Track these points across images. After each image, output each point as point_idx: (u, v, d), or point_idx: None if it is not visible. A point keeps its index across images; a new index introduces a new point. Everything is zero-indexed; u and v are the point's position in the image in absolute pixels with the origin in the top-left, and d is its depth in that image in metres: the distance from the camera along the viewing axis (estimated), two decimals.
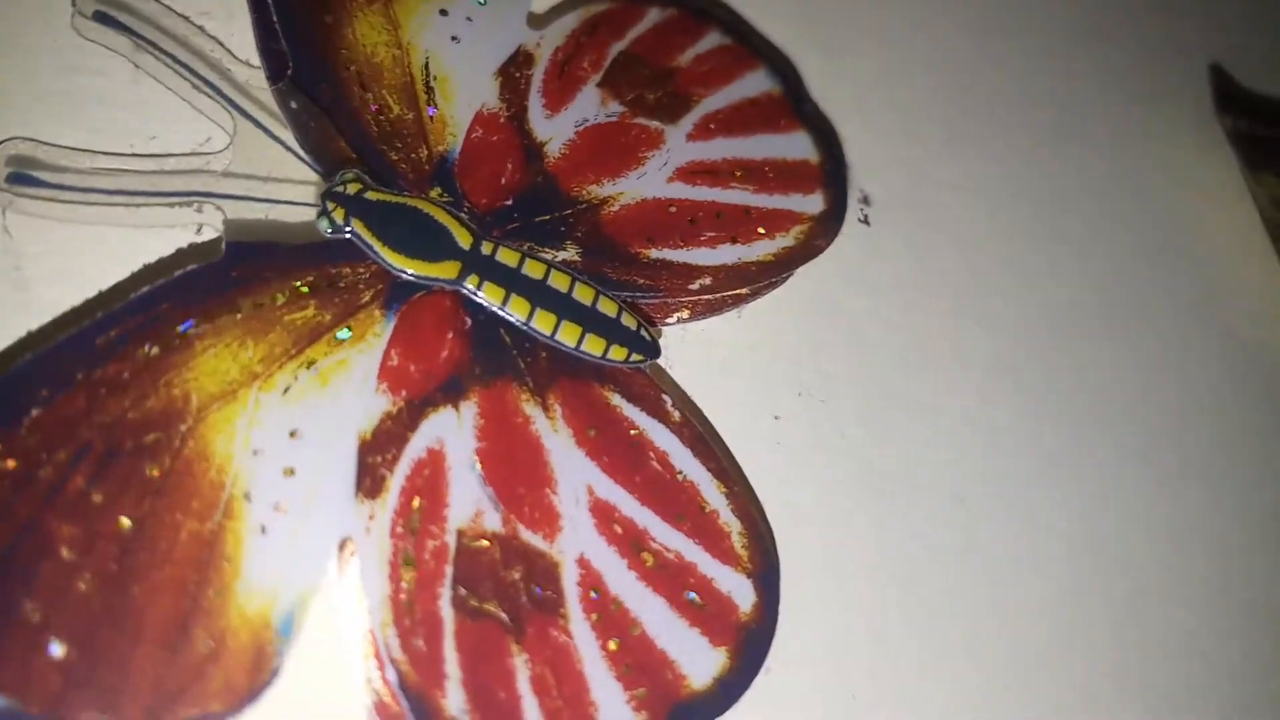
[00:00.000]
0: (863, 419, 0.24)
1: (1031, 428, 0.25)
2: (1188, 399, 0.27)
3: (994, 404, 0.25)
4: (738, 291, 0.23)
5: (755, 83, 0.24)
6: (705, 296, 0.22)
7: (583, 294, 0.20)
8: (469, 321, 0.20)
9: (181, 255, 0.19)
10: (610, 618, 0.19)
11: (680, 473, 0.20)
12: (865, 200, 0.24)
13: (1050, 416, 0.25)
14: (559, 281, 0.20)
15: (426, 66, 0.21)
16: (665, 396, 0.20)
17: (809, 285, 0.24)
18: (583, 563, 0.19)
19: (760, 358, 0.23)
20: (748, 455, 0.22)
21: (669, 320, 0.22)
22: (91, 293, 0.18)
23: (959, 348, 0.25)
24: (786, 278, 0.23)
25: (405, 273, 0.19)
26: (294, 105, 0.20)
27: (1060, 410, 0.25)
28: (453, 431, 0.19)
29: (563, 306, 0.20)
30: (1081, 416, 0.25)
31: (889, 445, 0.24)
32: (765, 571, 0.20)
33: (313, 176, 0.20)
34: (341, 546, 0.18)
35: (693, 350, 0.23)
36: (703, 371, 0.23)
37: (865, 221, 0.24)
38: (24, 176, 0.19)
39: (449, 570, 0.18)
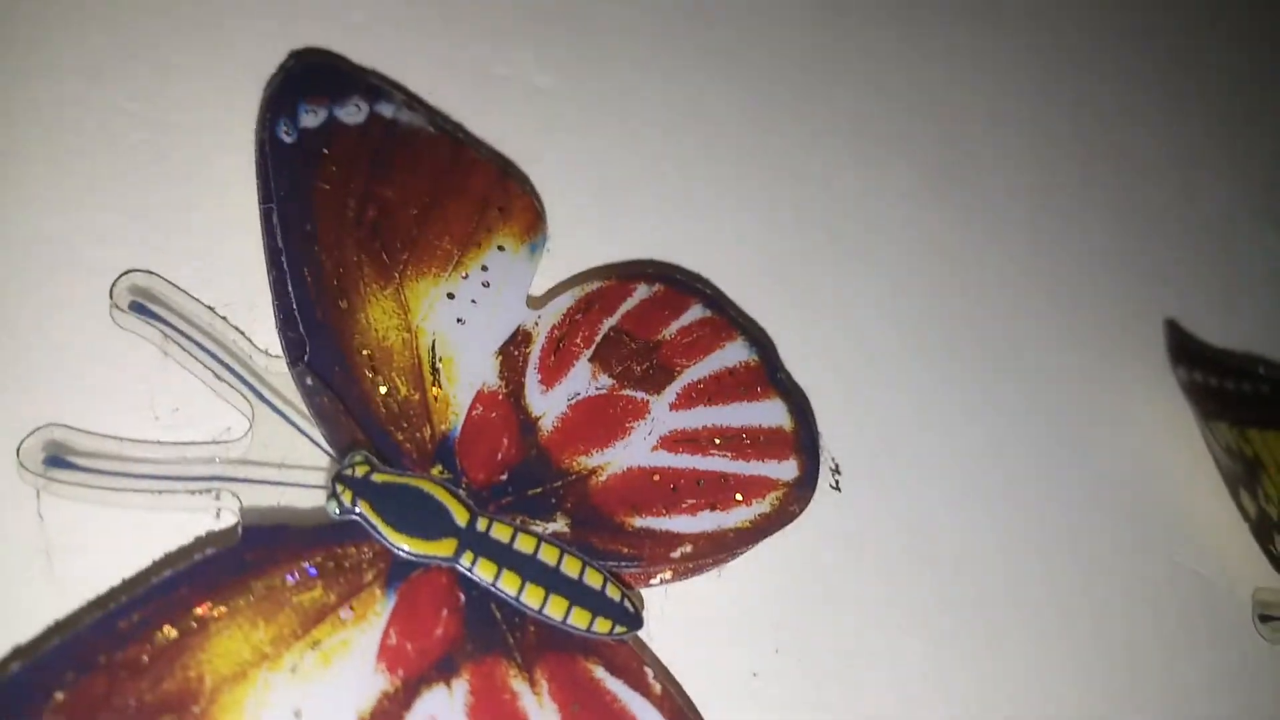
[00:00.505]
0: (836, 675, 0.25)
1: (996, 678, 0.26)
2: (1141, 633, 0.29)
3: (959, 660, 0.26)
4: (717, 554, 0.24)
5: (734, 353, 0.26)
6: (687, 564, 0.24)
7: (570, 566, 0.22)
8: (463, 598, 0.21)
9: (200, 540, 0.21)
10: None
11: None
12: (836, 468, 0.26)
13: (1015, 665, 0.27)
14: (548, 555, 0.22)
15: (433, 348, 0.24)
16: (647, 669, 0.22)
17: (785, 544, 0.26)
18: None
19: (739, 616, 0.25)
20: (727, 713, 0.24)
21: (653, 582, 0.24)
22: (115, 576, 0.20)
23: (920, 602, 0.27)
24: (759, 541, 0.25)
25: (406, 550, 0.21)
26: (309, 383, 0.22)
27: (1026, 658, 0.27)
28: (445, 710, 0.20)
29: (551, 580, 0.22)
30: (1042, 664, 0.27)
31: (861, 701, 0.25)
32: None
33: (324, 461, 0.22)
34: None
35: (675, 611, 0.24)
36: (684, 632, 0.24)
37: (837, 488, 0.26)
38: (58, 460, 0.21)
39: None
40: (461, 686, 0.21)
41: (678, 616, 0.24)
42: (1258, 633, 0.29)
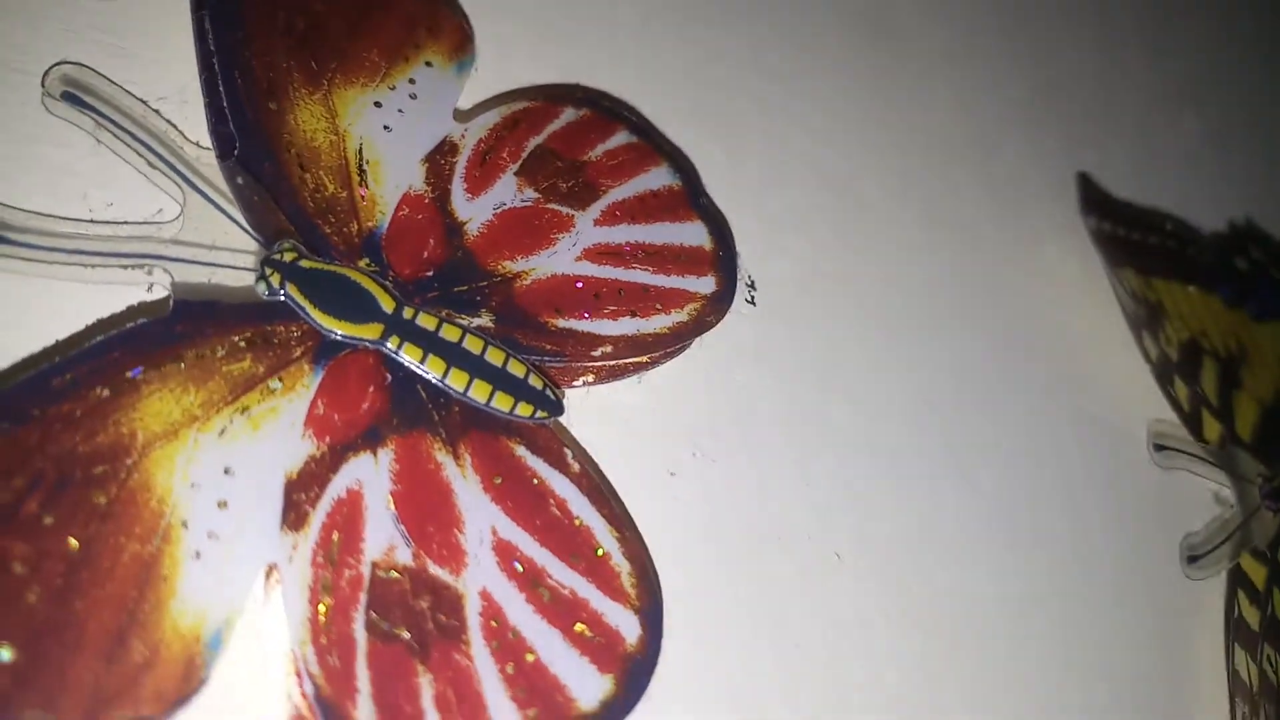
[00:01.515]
0: (750, 480, 0.27)
1: (898, 495, 0.29)
2: (1044, 472, 0.31)
3: (864, 474, 0.28)
4: (638, 360, 0.26)
5: (658, 177, 0.28)
6: (608, 363, 0.26)
7: (494, 356, 0.24)
8: (389, 378, 0.23)
9: (132, 311, 0.22)
10: (508, 645, 0.22)
11: (577, 518, 0.23)
12: (752, 284, 0.28)
13: (916, 486, 0.29)
14: (473, 344, 0.24)
15: (360, 151, 0.25)
16: (566, 450, 0.24)
17: (703, 358, 0.27)
18: (485, 595, 0.22)
19: (658, 420, 0.27)
20: (643, 505, 0.25)
21: (575, 384, 0.26)
22: (49, 342, 0.21)
23: (832, 420, 0.29)
24: (682, 349, 0.27)
25: (333, 332, 0.23)
26: (239, 181, 0.24)
27: (926, 479, 0.29)
28: (370, 475, 0.22)
29: (475, 367, 0.23)
30: (944, 486, 0.29)
31: (771, 504, 0.27)
32: (651, 609, 0.23)
33: (253, 246, 0.23)
34: (267, 573, 0.21)
35: (596, 411, 0.26)
36: (605, 430, 0.26)
37: (752, 302, 0.28)
38: None
39: (363, 597, 0.21)
40: (387, 455, 0.22)
41: (599, 416, 0.26)
42: (1152, 460, 0.32)
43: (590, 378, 0.26)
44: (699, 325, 0.26)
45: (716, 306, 0.27)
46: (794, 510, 0.27)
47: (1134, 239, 0.34)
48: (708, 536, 0.26)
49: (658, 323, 0.26)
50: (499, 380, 0.23)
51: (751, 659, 0.25)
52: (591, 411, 0.26)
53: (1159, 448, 0.31)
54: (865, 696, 0.26)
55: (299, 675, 0.20)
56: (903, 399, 0.30)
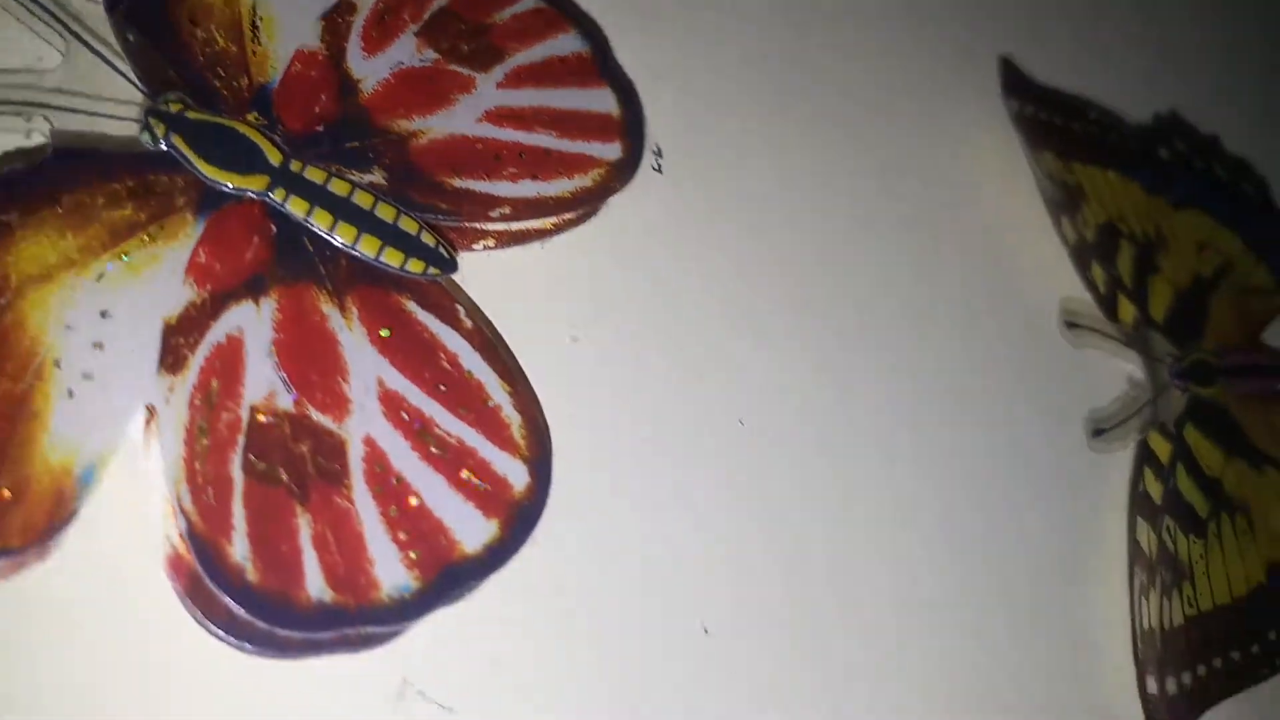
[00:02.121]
0: (656, 346, 0.27)
1: (806, 366, 0.28)
2: (955, 347, 0.31)
3: (772, 344, 0.28)
4: (540, 226, 0.26)
5: (566, 43, 0.27)
6: (508, 226, 0.25)
7: (384, 212, 0.23)
8: (274, 229, 0.23)
9: (9, 156, 0.22)
10: (391, 490, 0.22)
11: (469, 372, 0.23)
12: (659, 152, 0.28)
13: (826, 356, 0.29)
14: (362, 200, 0.23)
15: (254, 8, 0.24)
16: (459, 306, 0.24)
17: (610, 225, 0.27)
18: (369, 442, 0.22)
19: (562, 286, 0.27)
20: (545, 368, 0.25)
21: (475, 247, 0.25)
22: None
23: (741, 289, 0.28)
24: (588, 216, 0.27)
25: (217, 183, 0.22)
26: (128, 36, 0.23)
27: (838, 351, 0.29)
28: (252, 322, 0.22)
29: (364, 221, 0.23)
30: (854, 359, 0.29)
31: (676, 369, 0.27)
32: (540, 459, 0.23)
33: (138, 96, 0.23)
34: (143, 413, 0.21)
35: (499, 275, 0.26)
36: (507, 294, 0.26)
37: (658, 170, 0.28)
38: None
39: (241, 440, 0.21)
40: (269, 305, 0.22)
41: (502, 281, 0.26)
42: (1063, 338, 0.32)
43: (491, 242, 0.25)
44: (603, 191, 0.26)
45: (622, 173, 0.26)
46: (698, 378, 0.27)
47: (1056, 123, 0.34)
48: (609, 399, 0.26)
49: (559, 186, 0.26)
50: (389, 236, 0.23)
51: (644, 514, 0.25)
52: (494, 275, 0.26)
53: (1070, 325, 0.31)
54: (765, 554, 0.26)
55: (174, 513, 0.20)
56: (815, 271, 0.30)
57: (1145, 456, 0.32)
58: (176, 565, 0.20)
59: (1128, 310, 0.33)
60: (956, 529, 0.29)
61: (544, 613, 0.23)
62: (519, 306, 0.26)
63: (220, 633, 0.20)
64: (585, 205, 0.26)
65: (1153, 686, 0.29)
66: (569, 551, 0.24)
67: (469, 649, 0.23)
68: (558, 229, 0.26)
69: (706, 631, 0.25)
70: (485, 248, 0.25)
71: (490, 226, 0.25)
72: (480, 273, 0.26)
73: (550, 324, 0.26)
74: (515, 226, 0.26)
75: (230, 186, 0.22)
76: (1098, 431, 0.31)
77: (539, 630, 0.23)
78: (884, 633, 0.27)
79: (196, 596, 0.20)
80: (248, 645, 0.20)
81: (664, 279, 0.28)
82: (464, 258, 0.25)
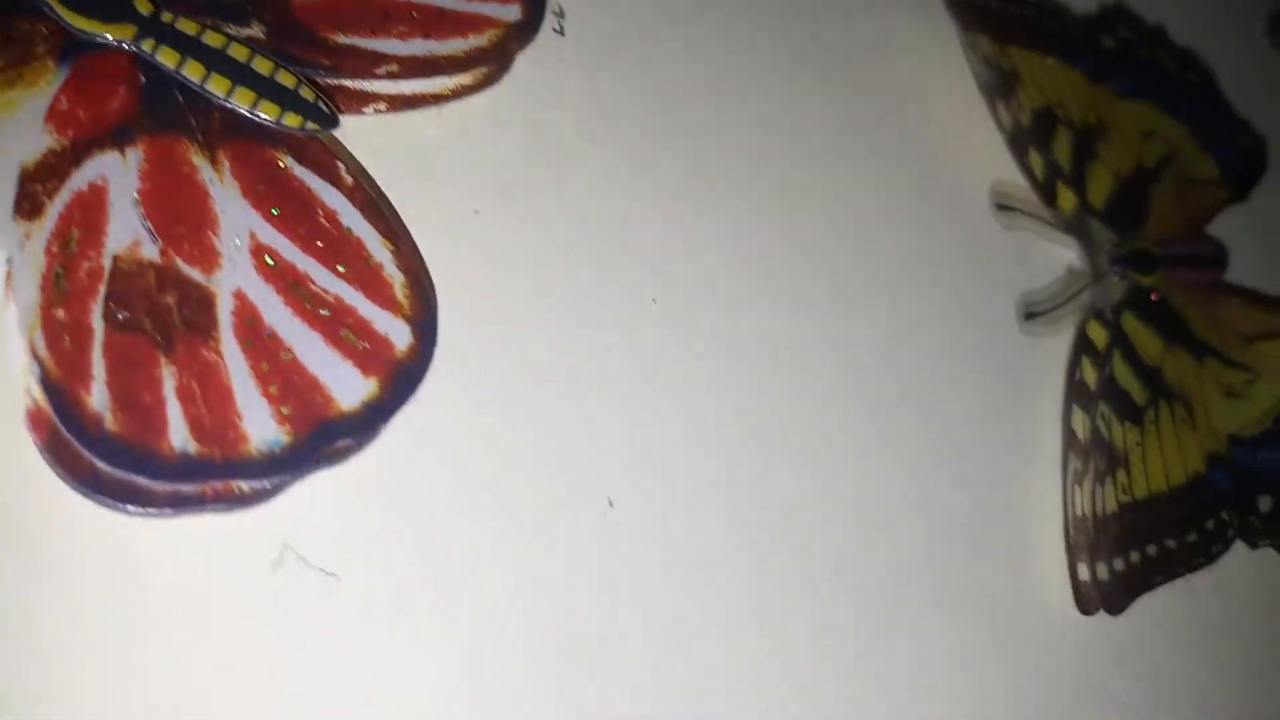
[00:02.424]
0: (561, 221, 0.26)
1: (726, 241, 0.28)
2: (885, 229, 0.30)
3: (690, 217, 0.28)
4: (437, 90, 0.25)
5: None
6: (400, 89, 0.25)
7: (261, 65, 0.23)
8: (143, 79, 0.22)
9: None
10: (263, 345, 0.21)
11: (348, 229, 0.22)
12: (560, 13, 0.27)
13: (745, 233, 0.28)
14: (238, 53, 0.23)
15: None
16: (339, 163, 0.23)
17: (512, 93, 0.26)
18: (239, 295, 0.21)
19: (461, 155, 0.26)
20: (442, 237, 0.25)
21: (365, 110, 0.25)
22: None
23: (659, 164, 0.28)
24: (488, 82, 0.26)
25: (80, 31, 0.22)
26: None
27: (753, 229, 0.28)
28: (117, 172, 0.21)
29: (239, 74, 0.22)
30: (775, 237, 0.28)
31: (582, 245, 0.26)
32: (424, 319, 0.22)
33: None
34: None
35: (394, 140, 0.25)
36: (401, 160, 0.25)
37: (560, 31, 0.27)
38: None
39: (102, 289, 0.20)
40: (136, 155, 0.21)
41: (397, 146, 0.25)
42: (995, 219, 0.31)
43: (383, 105, 0.25)
44: (500, 52, 0.25)
45: (521, 34, 0.25)
46: (607, 252, 0.26)
47: (992, 6, 0.33)
48: (510, 269, 0.25)
49: (453, 45, 0.25)
50: (265, 89, 0.22)
51: (545, 384, 0.24)
52: (388, 140, 0.25)
53: (1001, 207, 0.31)
54: (676, 427, 0.25)
55: (30, 360, 0.19)
56: (738, 150, 0.29)
57: (1083, 345, 0.31)
58: (36, 420, 0.20)
59: (1067, 198, 0.32)
60: (883, 410, 0.29)
61: (432, 477, 0.23)
62: (415, 173, 0.25)
63: (85, 489, 0.20)
64: (481, 66, 0.25)
65: (1084, 573, 0.29)
66: (457, 414, 0.23)
67: (353, 513, 0.22)
68: (456, 94, 0.25)
69: (611, 505, 0.25)
70: (377, 110, 0.25)
71: (380, 88, 0.24)
72: (373, 136, 0.25)
73: (450, 192, 0.25)
74: (408, 89, 0.25)
75: (95, 35, 0.22)
76: (1030, 315, 0.30)
77: (427, 496, 0.23)
78: (802, 514, 0.27)
79: (59, 453, 0.20)
80: (111, 500, 0.20)
81: (570, 150, 0.27)
82: (355, 120, 0.24)
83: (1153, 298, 0.32)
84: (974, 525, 0.29)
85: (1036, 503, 0.29)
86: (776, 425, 0.27)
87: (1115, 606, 0.28)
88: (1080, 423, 0.30)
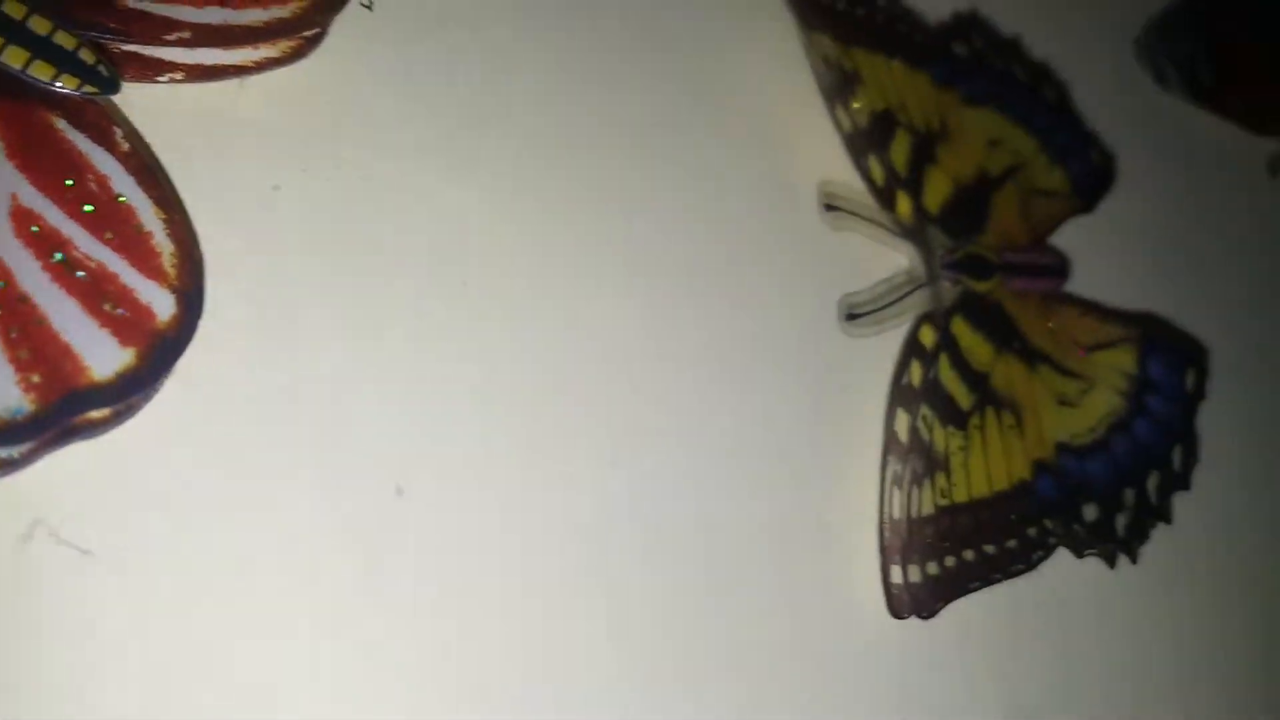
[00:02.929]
0: (364, 197, 0.26)
1: (535, 223, 0.28)
2: (722, 239, 0.30)
3: (508, 201, 0.27)
4: (238, 61, 0.25)
5: None
6: (196, 58, 0.24)
7: (38, 25, 0.22)
8: None
9: None
10: (15, 310, 0.21)
11: (119, 195, 0.22)
12: None
13: (555, 213, 0.28)
14: (13, 10, 0.22)
15: None
16: (116, 129, 0.23)
17: (323, 68, 0.26)
18: None
19: (266, 130, 0.26)
20: (238, 214, 0.24)
21: (159, 78, 0.24)
22: None
23: (476, 147, 0.28)
24: (293, 57, 0.25)
25: None
26: None
27: (570, 209, 0.28)
28: None
29: (13, 32, 0.22)
30: (598, 226, 0.28)
31: (391, 224, 0.26)
32: (191, 291, 0.22)
33: None
34: None
35: (185, 109, 0.25)
36: (195, 131, 0.25)
37: (368, 6, 0.27)
38: None
39: None
40: None
41: (192, 118, 0.25)
42: (823, 220, 0.31)
43: (180, 74, 0.24)
44: (302, 23, 0.25)
45: (326, 7, 0.25)
46: (414, 232, 0.26)
47: (838, 7, 0.33)
48: (305, 247, 0.25)
49: (251, 16, 0.25)
50: (40, 49, 0.22)
51: (325, 366, 0.24)
52: (182, 109, 0.25)
53: (829, 207, 0.31)
54: (470, 410, 0.26)
55: None
56: (561, 137, 0.29)
57: (913, 348, 0.31)
58: None
59: (903, 201, 0.32)
60: (699, 407, 0.29)
61: (194, 454, 0.22)
62: (212, 145, 0.25)
63: None
64: (286, 39, 0.25)
65: (896, 576, 0.29)
66: (224, 390, 0.23)
67: (108, 489, 0.22)
68: (260, 67, 0.25)
69: (400, 492, 0.24)
70: (173, 79, 0.24)
71: (176, 56, 0.24)
72: (167, 104, 0.24)
73: (250, 166, 0.25)
74: (207, 59, 0.24)
75: None
76: (851, 315, 0.30)
77: (189, 473, 0.22)
78: (608, 510, 0.27)
79: None
80: None
81: (381, 129, 0.27)
82: (147, 88, 0.24)
83: (985, 304, 0.32)
84: (790, 526, 0.29)
85: (855, 505, 0.30)
86: (584, 417, 0.27)
87: (926, 610, 0.29)
88: (902, 425, 0.30)
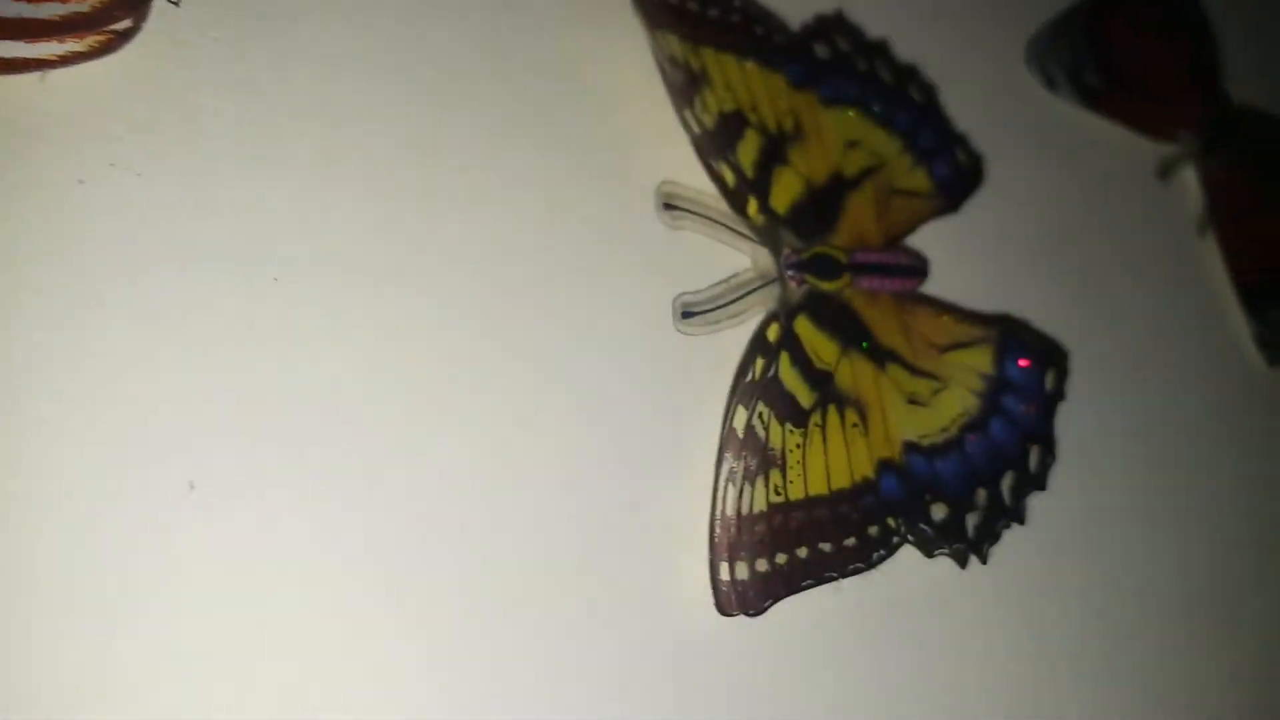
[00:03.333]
0: (183, 193, 0.26)
1: (369, 220, 0.28)
2: (561, 237, 0.30)
3: (333, 191, 0.28)
4: (39, 55, 0.25)
5: None
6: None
7: None
8: None
9: None
10: None
11: None
12: None
13: (393, 220, 0.28)
14: None
15: None
16: None
17: (138, 63, 0.26)
18: None
19: (71, 125, 0.26)
20: (37, 204, 0.24)
21: None
22: None
23: (298, 142, 0.28)
24: (100, 52, 0.26)
25: None
26: None
27: (401, 211, 0.28)
28: None
29: None
30: (427, 221, 0.29)
31: (204, 220, 0.26)
32: None
33: None
34: None
35: None
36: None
37: (175, 3, 0.27)
38: None
39: None
40: None
41: None
42: (660, 219, 0.31)
43: None
44: (102, 18, 0.25)
45: (128, 1, 0.25)
46: (230, 227, 0.26)
47: (689, 8, 0.33)
48: (108, 243, 0.25)
49: (49, 10, 0.25)
50: None
51: (109, 348, 0.24)
52: None
53: (668, 207, 0.31)
54: (279, 402, 0.26)
55: None
56: (390, 135, 0.29)
57: (759, 346, 0.31)
58: None
59: (753, 204, 0.32)
60: (532, 403, 0.29)
61: None
62: (10, 139, 0.25)
63: None
64: (87, 32, 0.25)
65: (724, 573, 0.29)
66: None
67: None
68: (65, 61, 0.25)
69: (192, 487, 0.24)
70: None
71: None
72: None
73: (53, 162, 0.25)
74: (6, 52, 0.25)
75: None
76: (687, 314, 0.31)
77: None
78: (426, 510, 0.27)
79: None
80: None
81: (199, 125, 0.27)
82: None
83: (833, 303, 0.32)
84: (623, 524, 0.29)
85: (690, 503, 0.30)
86: (405, 413, 0.27)
87: (754, 608, 0.29)
88: (740, 421, 0.30)
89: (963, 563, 0.32)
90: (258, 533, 0.25)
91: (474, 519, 0.27)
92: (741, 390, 0.31)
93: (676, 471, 0.30)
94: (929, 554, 0.32)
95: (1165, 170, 0.43)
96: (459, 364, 0.28)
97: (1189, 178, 0.43)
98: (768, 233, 0.32)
